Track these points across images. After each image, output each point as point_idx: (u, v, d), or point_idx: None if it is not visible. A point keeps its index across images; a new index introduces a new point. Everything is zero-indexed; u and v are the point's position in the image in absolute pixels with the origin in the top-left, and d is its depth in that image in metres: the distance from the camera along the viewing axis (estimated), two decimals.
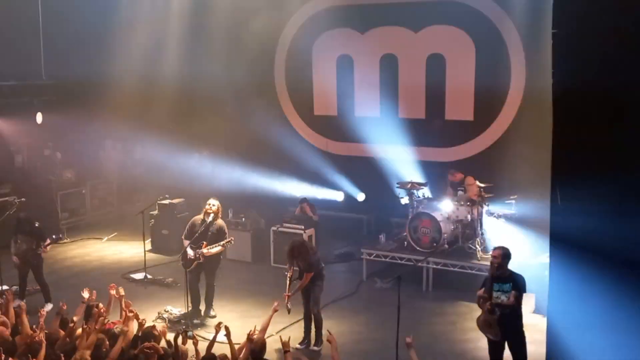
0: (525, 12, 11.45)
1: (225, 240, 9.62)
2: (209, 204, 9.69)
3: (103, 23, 13.86)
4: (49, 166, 14.69)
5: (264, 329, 7.12)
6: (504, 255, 7.44)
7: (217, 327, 6.96)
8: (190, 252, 9.57)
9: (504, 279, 7.38)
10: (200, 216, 9.79)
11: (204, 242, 9.52)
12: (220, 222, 9.74)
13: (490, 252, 7.72)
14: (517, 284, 7.32)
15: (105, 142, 15.57)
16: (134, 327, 7.18)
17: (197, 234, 9.56)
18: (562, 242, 6.03)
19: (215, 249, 9.56)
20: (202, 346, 7.09)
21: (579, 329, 5.91)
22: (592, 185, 5.66)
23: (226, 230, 9.78)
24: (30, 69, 14.08)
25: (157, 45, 14.16)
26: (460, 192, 11.09)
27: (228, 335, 6.93)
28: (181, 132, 14.01)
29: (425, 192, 11.63)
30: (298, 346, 8.86)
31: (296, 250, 8.96)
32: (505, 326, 7.34)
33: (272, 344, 8.62)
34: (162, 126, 14.24)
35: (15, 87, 13.48)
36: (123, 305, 7.66)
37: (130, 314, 7.24)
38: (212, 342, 6.90)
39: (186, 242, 9.70)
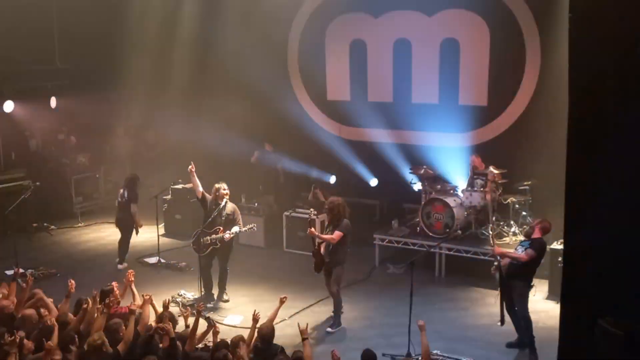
0: None
1: (249, 227, 9.63)
2: (222, 189, 9.67)
3: (117, 7, 13.85)
4: (63, 150, 14.77)
5: (271, 320, 7.06)
6: (542, 226, 8.20)
7: (254, 316, 6.99)
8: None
9: (528, 240, 8.20)
10: (209, 197, 9.77)
11: (220, 228, 9.54)
12: (232, 205, 9.76)
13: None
14: (533, 244, 8.03)
15: (118, 126, 15.60)
16: (148, 312, 7.24)
17: (210, 219, 9.58)
18: (577, 228, 5.98)
19: (235, 232, 9.57)
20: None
21: (593, 315, 5.87)
22: (610, 168, 5.60)
23: (239, 212, 9.80)
24: (44, 54, 14.13)
25: (170, 31, 14.12)
26: (479, 181, 11.02)
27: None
28: (196, 115, 14.02)
29: (438, 177, 11.60)
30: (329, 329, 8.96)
31: (333, 207, 8.90)
32: (507, 277, 8.11)
33: (285, 329, 8.68)
34: (176, 111, 14.26)
35: (29, 72, 13.53)
36: (134, 290, 7.73)
37: (147, 298, 7.30)
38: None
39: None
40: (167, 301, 7.32)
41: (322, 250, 8.99)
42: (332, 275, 8.96)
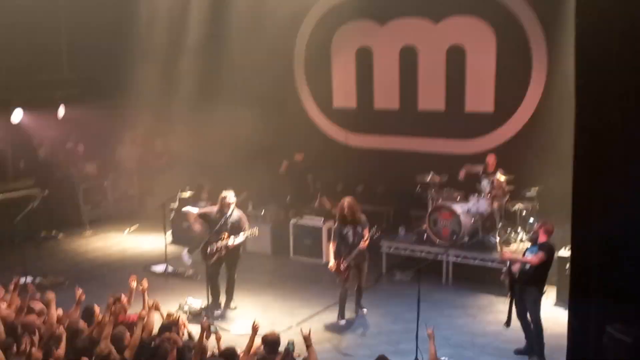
0: (546, 1, 11.32)
1: (250, 231, 9.64)
2: (227, 197, 9.71)
3: (124, 16, 13.93)
4: (71, 159, 14.83)
5: (247, 352, 6.73)
6: (546, 229, 8.16)
7: (254, 326, 6.91)
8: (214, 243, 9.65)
9: (535, 245, 8.16)
10: (216, 208, 9.80)
11: (225, 234, 9.55)
12: (238, 212, 9.77)
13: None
14: (542, 248, 8.02)
15: (126, 135, 15.65)
16: (153, 318, 7.25)
17: (217, 227, 9.60)
18: (584, 234, 5.97)
19: (240, 239, 9.59)
20: (224, 339, 7.15)
21: (601, 322, 5.86)
22: (616, 175, 5.60)
23: (245, 219, 9.82)
24: (52, 63, 14.20)
25: (177, 39, 14.19)
26: (484, 182, 11.01)
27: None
28: (203, 123, 14.05)
29: (445, 184, 11.58)
30: (342, 322, 9.38)
31: (352, 206, 9.27)
32: (520, 281, 8.10)
33: (292, 336, 8.66)
34: (183, 119, 14.30)
35: (37, 81, 13.59)
36: (146, 298, 7.72)
37: (151, 304, 7.30)
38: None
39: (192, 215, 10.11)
40: (178, 321, 7.29)
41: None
42: (363, 271, 9.42)
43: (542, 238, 8.17)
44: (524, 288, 8.09)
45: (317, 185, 13.15)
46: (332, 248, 9.46)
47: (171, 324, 7.04)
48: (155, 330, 7.14)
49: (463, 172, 11.43)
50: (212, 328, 7.03)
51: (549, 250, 8.08)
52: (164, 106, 14.35)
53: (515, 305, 8.20)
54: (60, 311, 7.49)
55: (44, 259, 12.14)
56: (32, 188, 13.15)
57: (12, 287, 7.95)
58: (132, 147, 15.66)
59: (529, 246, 8.49)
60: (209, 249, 9.62)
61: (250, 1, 13.41)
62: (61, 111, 13.87)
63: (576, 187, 5.81)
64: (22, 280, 9.32)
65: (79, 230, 13.95)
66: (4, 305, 7.56)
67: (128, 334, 6.79)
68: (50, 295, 7.58)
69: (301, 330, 6.65)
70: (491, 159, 11.26)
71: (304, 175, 13.17)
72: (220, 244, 9.54)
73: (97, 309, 7.43)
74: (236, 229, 9.61)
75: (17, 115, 13.13)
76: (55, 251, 12.84)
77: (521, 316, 8.20)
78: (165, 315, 7.59)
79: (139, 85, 14.14)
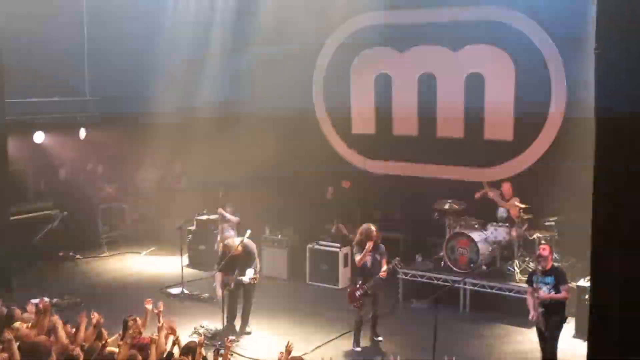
0: (566, 30, 11.31)
1: (251, 277, 9.72)
2: (229, 241, 10.00)
3: (146, 41, 14.12)
4: (90, 180, 14.98)
5: None
6: (550, 250, 8.33)
7: (288, 347, 6.87)
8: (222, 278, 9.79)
9: (546, 272, 8.10)
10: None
11: (236, 271, 9.76)
12: (247, 243, 9.89)
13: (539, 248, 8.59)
14: (561, 277, 8.07)
15: (145, 157, 15.78)
16: (164, 340, 7.22)
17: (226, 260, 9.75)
18: (603, 265, 5.89)
19: (247, 277, 9.71)
20: None
21: (622, 354, 5.76)
22: (637, 206, 5.54)
23: (255, 252, 9.94)
24: (74, 86, 14.43)
25: (198, 64, 14.36)
26: (501, 210, 10.95)
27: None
28: (221, 147, 14.14)
29: (463, 211, 11.52)
30: (358, 349, 9.34)
31: (376, 231, 9.43)
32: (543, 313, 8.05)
33: None
34: (202, 143, 14.40)
35: (59, 104, 13.80)
36: (161, 320, 7.71)
37: (160, 324, 7.28)
38: None
39: (218, 276, 9.89)
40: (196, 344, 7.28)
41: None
42: (378, 298, 9.45)
43: (550, 263, 8.17)
44: (548, 317, 8.00)
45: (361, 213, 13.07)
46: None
47: (189, 348, 7.00)
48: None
49: (480, 194, 11.37)
50: (221, 351, 7.00)
51: (565, 276, 8.10)
52: (184, 129, 14.47)
53: (539, 337, 8.11)
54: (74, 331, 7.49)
55: (61, 280, 12.21)
56: (52, 209, 13.27)
57: (29, 307, 7.98)
58: (151, 169, 15.78)
59: (538, 275, 8.27)
60: (228, 276, 9.77)
61: (270, 26, 13.57)
62: (82, 133, 14.05)
63: (596, 219, 5.75)
64: (40, 300, 9.36)
65: (97, 251, 14.04)
66: (22, 325, 7.58)
67: (140, 357, 6.78)
68: (55, 317, 7.60)
69: None
70: (506, 187, 11.20)
71: (351, 202, 13.08)
72: (233, 276, 9.74)
73: (104, 331, 7.42)
74: (245, 261, 9.80)
75: (39, 137, 13.30)
76: (73, 272, 12.91)
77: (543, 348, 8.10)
78: (175, 337, 7.54)
79: (159, 108, 14.30)
